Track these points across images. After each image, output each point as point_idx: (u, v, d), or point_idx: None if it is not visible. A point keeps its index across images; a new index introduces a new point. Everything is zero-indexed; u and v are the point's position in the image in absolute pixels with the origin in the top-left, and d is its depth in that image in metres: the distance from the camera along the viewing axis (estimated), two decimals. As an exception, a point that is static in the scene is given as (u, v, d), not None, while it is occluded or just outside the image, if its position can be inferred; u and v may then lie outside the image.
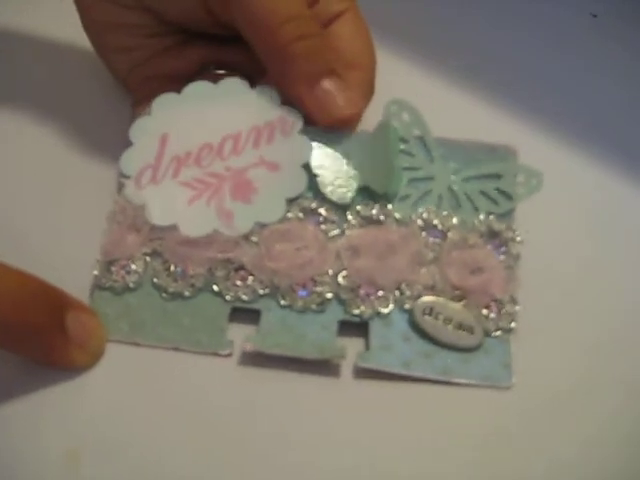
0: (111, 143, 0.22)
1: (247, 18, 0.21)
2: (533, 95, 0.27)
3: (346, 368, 0.19)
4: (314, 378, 0.19)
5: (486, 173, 0.21)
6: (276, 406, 0.19)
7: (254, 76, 0.23)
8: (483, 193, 0.21)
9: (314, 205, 0.21)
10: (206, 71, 0.24)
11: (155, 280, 0.20)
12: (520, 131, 0.25)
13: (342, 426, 0.19)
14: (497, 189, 0.21)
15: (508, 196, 0.21)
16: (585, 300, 0.21)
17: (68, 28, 0.25)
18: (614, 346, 0.20)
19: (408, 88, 0.23)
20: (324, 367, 0.19)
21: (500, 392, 0.19)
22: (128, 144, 0.22)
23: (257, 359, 0.19)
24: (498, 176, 0.21)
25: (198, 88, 0.22)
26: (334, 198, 0.21)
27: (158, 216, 0.20)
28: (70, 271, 0.20)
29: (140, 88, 0.24)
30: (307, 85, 0.21)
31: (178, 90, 0.22)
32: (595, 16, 0.35)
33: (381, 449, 0.18)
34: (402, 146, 0.22)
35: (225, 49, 0.24)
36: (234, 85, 0.22)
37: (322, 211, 0.21)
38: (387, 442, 0.18)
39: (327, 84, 0.21)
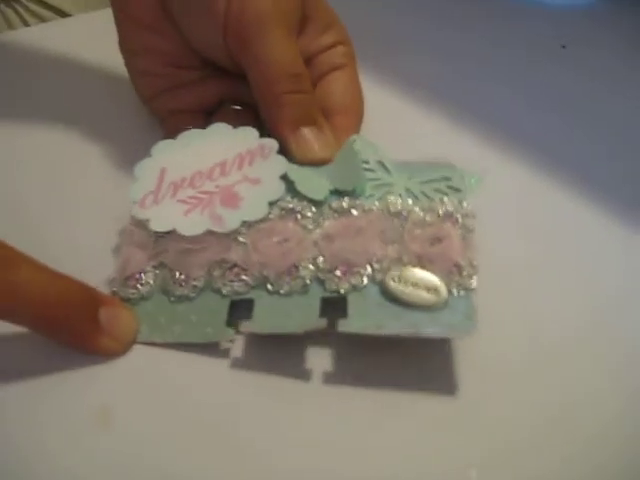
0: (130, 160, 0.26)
1: (256, 63, 0.26)
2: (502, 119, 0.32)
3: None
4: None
5: (437, 177, 0.25)
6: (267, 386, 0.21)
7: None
8: (437, 190, 0.24)
9: (292, 205, 0.24)
10: (223, 106, 0.29)
11: (163, 288, 0.23)
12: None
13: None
14: (448, 186, 0.24)
15: (457, 190, 0.24)
16: (536, 266, 0.24)
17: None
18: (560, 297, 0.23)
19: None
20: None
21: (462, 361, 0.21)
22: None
23: (254, 346, 0.22)
24: (447, 178, 0.25)
25: (190, 134, 0.27)
26: (310, 195, 0.24)
27: (159, 225, 0.24)
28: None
29: (167, 118, 0.29)
30: (290, 129, 0.26)
31: (198, 125, 0.27)
32: (564, 47, 0.40)
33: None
34: (365, 165, 0.25)
35: (240, 86, 0.28)
36: (220, 128, 0.27)
37: (299, 209, 0.24)
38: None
39: (306, 132, 0.26)
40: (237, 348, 0.22)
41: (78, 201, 0.28)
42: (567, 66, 0.38)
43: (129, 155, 0.27)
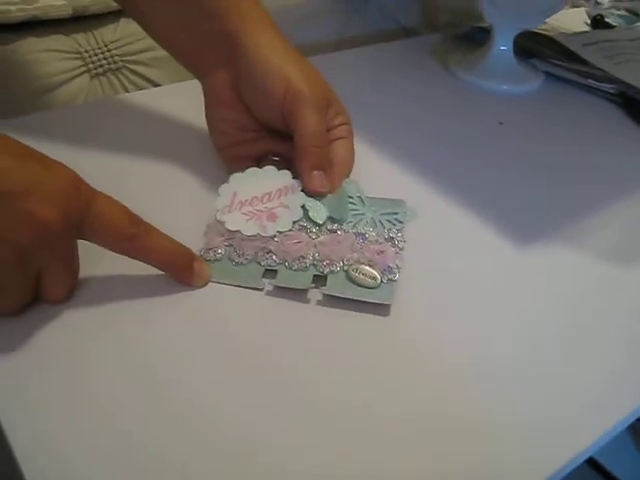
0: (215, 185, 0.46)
1: (297, 125, 0.43)
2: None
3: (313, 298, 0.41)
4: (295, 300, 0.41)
5: (390, 211, 0.44)
6: (286, 320, 0.40)
7: (290, 160, 0.44)
8: (388, 220, 0.44)
9: (305, 224, 0.43)
10: (267, 157, 0.47)
11: (229, 257, 0.42)
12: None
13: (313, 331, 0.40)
14: (395, 219, 0.44)
15: (400, 222, 0.43)
16: (443, 269, 0.43)
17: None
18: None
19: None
20: (303, 294, 0.41)
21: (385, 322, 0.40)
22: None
23: (277, 292, 0.41)
24: (396, 212, 0.44)
25: (252, 171, 0.46)
26: (315, 220, 0.43)
27: (231, 226, 0.43)
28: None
29: (231, 162, 0.47)
30: (308, 170, 0.44)
31: (249, 166, 0.45)
32: (501, 123, 0.60)
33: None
34: (350, 200, 0.44)
35: (280, 144, 0.45)
36: (270, 169, 0.46)
37: (309, 227, 0.43)
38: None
39: (316, 173, 0.44)
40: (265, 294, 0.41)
41: (186, 206, 0.47)
42: (501, 136, 0.59)
43: (210, 180, 0.47)
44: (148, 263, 0.39)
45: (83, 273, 0.39)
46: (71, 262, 0.37)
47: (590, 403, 0.34)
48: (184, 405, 0.33)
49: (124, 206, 0.37)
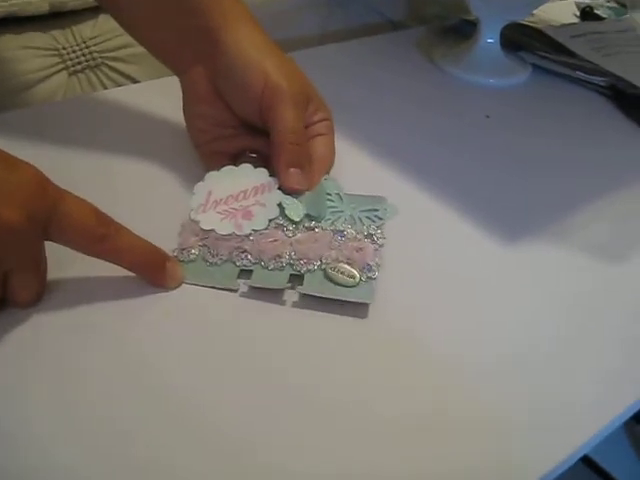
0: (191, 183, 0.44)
1: (274, 121, 0.42)
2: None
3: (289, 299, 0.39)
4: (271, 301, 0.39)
5: (370, 208, 0.43)
6: (258, 316, 0.38)
7: (268, 158, 0.43)
8: (368, 217, 0.42)
9: (281, 222, 0.42)
10: (244, 154, 0.46)
11: (203, 257, 0.41)
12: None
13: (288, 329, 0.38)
14: (375, 215, 0.42)
15: (380, 218, 0.42)
16: (425, 268, 0.41)
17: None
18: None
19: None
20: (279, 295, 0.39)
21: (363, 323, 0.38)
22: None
23: (252, 293, 0.40)
24: (376, 209, 0.42)
25: (228, 169, 0.44)
26: (292, 217, 0.42)
27: (205, 225, 0.41)
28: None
29: (208, 159, 0.46)
30: (285, 167, 0.43)
31: (225, 163, 0.44)
32: (488, 117, 0.59)
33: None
34: (328, 197, 0.43)
35: (258, 140, 0.45)
36: (246, 167, 0.44)
37: (285, 224, 0.42)
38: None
39: (292, 171, 0.43)
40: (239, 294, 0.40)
41: (161, 205, 0.45)
42: (487, 130, 0.57)
43: (187, 178, 0.46)
44: (119, 264, 0.37)
45: (63, 274, 0.38)
46: (37, 264, 0.36)
47: (585, 403, 0.34)
48: (181, 404, 0.32)
49: (93, 206, 0.36)
